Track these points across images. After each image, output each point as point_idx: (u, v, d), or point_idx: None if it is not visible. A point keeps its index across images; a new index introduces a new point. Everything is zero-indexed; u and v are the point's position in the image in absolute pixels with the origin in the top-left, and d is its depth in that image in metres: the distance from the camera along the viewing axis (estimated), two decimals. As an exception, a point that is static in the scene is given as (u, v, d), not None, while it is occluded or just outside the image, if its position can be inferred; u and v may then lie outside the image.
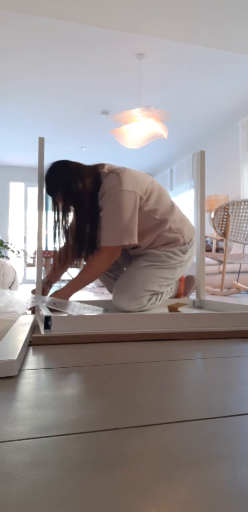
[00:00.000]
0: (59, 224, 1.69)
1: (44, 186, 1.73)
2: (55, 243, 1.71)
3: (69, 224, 1.71)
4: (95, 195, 1.69)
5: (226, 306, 1.61)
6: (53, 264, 1.89)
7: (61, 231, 1.69)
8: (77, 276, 1.66)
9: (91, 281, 1.68)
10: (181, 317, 1.18)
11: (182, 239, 1.75)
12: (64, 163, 1.69)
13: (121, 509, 0.29)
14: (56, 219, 1.70)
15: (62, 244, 1.73)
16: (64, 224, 1.69)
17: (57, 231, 1.69)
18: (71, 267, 1.93)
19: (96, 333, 1.07)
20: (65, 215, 1.69)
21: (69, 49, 4.40)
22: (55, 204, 1.71)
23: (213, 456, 0.38)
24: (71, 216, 1.72)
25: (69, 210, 1.69)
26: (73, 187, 1.64)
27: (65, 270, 1.91)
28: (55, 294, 1.64)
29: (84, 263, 1.81)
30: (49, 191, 1.70)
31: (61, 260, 1.83)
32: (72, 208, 1.70)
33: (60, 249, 1.76)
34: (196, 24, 3.81)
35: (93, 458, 0.38)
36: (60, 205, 1.69)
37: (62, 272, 1.88)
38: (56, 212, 1.70)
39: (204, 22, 3.79)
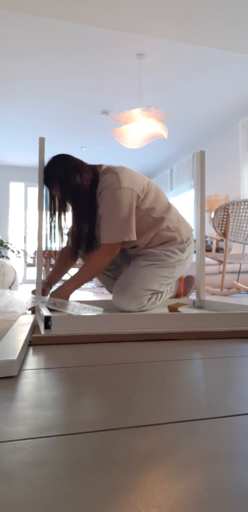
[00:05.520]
0: (55, 219, 1.69)
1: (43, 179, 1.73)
2: (51, 239, 1.71)
3: (65, 219, 1.71)
4: (92, 191, 1.69)
5: (226, 306, 1.61)
6: (54, 264, 1.89)
7: (57, 226, 1.69)
8: (77, 273, 1.65)
9: (91, 279, 1.68)
10: (181, 317, 1.18)
11: (179, 237, 1.76)
12: (64, 156, 1.72)
13: (121, 509, 0.29)
14: (52, 213, 1.70)
15: (57, 241, 1.73)
16: (60, 219, 1.69)
17: (52, 225, 1.69)
18: (72, 267, 1.93)
19: (96, 333, 1.07)
20: (61, 209, 1.69)
21: (69, 49, 4.40)
22: (51, 199, 1.71)
23: (213, 456, 0.38)
24: (67, 214, 1.72)
25: (65, 204, 1.69)
26: (71, 179, 1.65)
27: (66, 270, 1.91)
28: (55, 293, 1.64)
29: (80, 260, 1.81)
30: (47, 182, 1.71)
31: (61, 259, 1.83)
32: (68, 203, 1.70)
33: (61, 248, 1.76)
34: (196, 24, 3.81)
35: (93, 458, 0.38)
36: (57, 199, 1.70)
37: (63, 273, 1.88)
38: (52, 206, 1.71)
39: (204, 22, 3.78)
